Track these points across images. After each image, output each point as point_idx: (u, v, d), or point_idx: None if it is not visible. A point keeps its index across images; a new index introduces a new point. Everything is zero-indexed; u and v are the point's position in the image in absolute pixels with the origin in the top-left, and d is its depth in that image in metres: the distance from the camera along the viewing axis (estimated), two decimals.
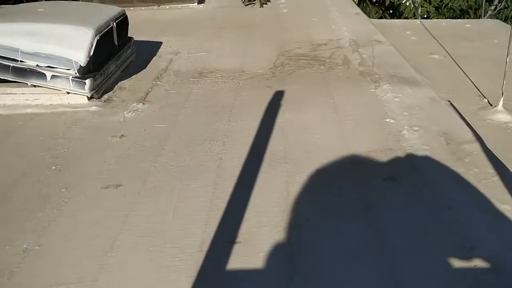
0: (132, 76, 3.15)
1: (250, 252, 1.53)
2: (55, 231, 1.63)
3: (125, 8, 3.47)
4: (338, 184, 1.92)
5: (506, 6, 7.81)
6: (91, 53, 2.69)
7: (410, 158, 2.08)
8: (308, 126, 2.41)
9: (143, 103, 2.74)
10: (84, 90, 2.65)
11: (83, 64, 2.65)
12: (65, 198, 1.81)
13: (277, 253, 1.53)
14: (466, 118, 2.56)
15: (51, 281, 1.42)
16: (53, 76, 2.63)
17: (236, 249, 1.55)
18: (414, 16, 7.45)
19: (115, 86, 2.96)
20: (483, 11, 7.58)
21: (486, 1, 7.69)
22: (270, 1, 5.32)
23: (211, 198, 1.82)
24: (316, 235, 1.61)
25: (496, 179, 1.89)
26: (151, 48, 3.74)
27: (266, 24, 4.54)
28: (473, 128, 2.33)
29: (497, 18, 6.93)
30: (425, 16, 7.86)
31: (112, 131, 2.40)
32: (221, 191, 1.87)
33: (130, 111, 2.64)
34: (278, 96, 2.79)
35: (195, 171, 2.01)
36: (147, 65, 3.38)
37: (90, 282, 1.40)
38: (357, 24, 4.33)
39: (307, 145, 2.22)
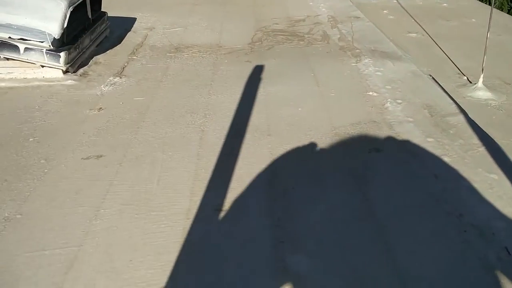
0: (107, 51, 3.05)
1: (237, 219, 1.50)
2: (36, 200, 1.57)
3: None
4: (323, 155, 1.90)
5: None
6: (65, 25, 2.58)
7: (395, 130, 2.07)
8: (290, 99, 2.38)
9: (120, 77, 2.66)
10: (59, 63, 2.55)
11: (57, 36, 2.54)
12: (45, 169, 1.74)
13: (264, 220, 1.50)
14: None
15: (35, 246, 1.37)
16: (26, 49, 2.52)
17: (223, 217, 1.51)
18: None
19: (90, 61, 2.86)
20: None
21: None
22: None
23: (195, 168, 1.78)
24: (302, 202, 1.59)
25: (482, 149, 1.90)
26: (126, 24, 3.63)
27: (242, 0, 4.46)
28: (456, 101, 2.33)
29: None
30: None
31: (89, 104, 2.32)
32: (205, 161, 1.82)
33: (107, 85, 2.55)
34: (258, 70, 2.75)
35: (178, 143, 1.96)
36: (122, 40, 3.28)
37: (75, 248, 1.36)
38: (334, 1, 4.30)
39: (290, 117, 2.19)
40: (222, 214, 1.52)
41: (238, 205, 1.56)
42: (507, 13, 8.22)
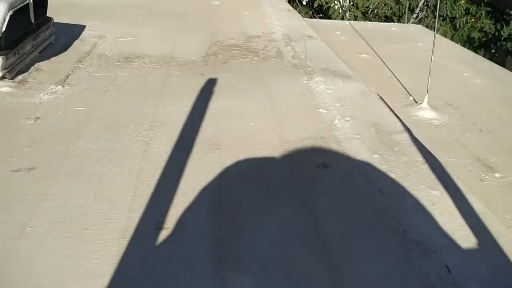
0: (51, 58, 2.91)
1: (178, 239, 1.42)
2: None
3: None
4: (272, 170, 1.86)
5: (426, 15, 8.28)
6: (3, 28, 2.45)
7: (342, 146, 2.06)
8: (242, 114, 2.33)
9: (63, 86, 2.53)
10: None
11: None
12: None
13: (207, 238, 1.43)
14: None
15: None
16: None
17: (163, 236, 1.43)
18: (343, 20, 7.66)
19: (31, 67, 2.72)
20: (406, 18, 7.96)
21: (408, 10, 8.08)
22: None
23: (135, 182, 1.68)
24: (249, 219, 1.53)
25: (425, 166, 1.92)
26: (74, 31, 3.50)
27: (197, 14, 4.42)
28: (401, 120, 2.36)
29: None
30: (353, 20, 8.10)
31: (25, 113, 2.18)
32: (146, 175, 1.73)
33: (47, 93, 2.42)
34: (211, 83, 2.69)
35: (119, 155, 1.86)
36: (68, 47, 3.15)
37: None
38: (289, 20, 4.33)
39: (241, 131, 2.14)
40: (162, 232, 1.44)
41: (180, 223, 1.49)
42: (451, 39, 8.59)
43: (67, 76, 2.67)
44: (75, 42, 3.27)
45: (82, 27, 3.60)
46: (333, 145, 2.06)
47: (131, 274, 1.27)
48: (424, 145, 2.21)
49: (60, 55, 2.99)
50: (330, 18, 7.97)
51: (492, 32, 9.27)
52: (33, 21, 2.84)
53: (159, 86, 2.61)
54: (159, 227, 1.47)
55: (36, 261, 1.28)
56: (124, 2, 4.59)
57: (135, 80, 2.69)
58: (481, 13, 9.17)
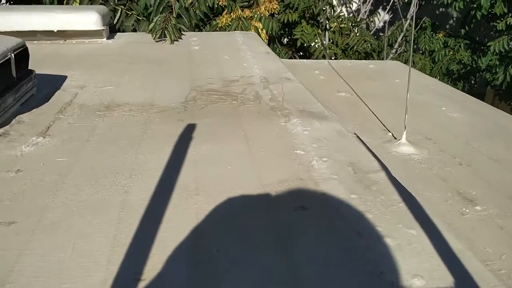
0: (33, 110, 2.95)
1: None
2: None
3: (27, 41, 3.28)
4: (250, 215, 1.88)
5: (405, 50, 8.54)
6: None
7: (320, 187, 2.10)
8: (220, 158, 2.37)
9: (44, 137, 2.56)
10: None
11: None
12: None
13: None
14: (372, 150, 2.65)
15: None
16: None
17: (141, 287, 1.44)
18: (324, 58, 7.85)
19: (12, 120, 2.75)
20: (385, 53, 8.19)
21: (387, 45, 8.33)
22: (181, 38, 5.31)
23: (114, 233, 1.70)
24: (226, 268, 1.54)
25: (402, 205, 1.95)
26: (55, 82, 3.55)
27: (177, 60, 4.51)
28: (378, 158, 2.41)
29: (397, 60, 7.48)
30: (333, 57, 8.30)
31: (6, 166, 2.20)
32: (125, 225, 1.75)
33: (28, 145, 2.44)
34: (189, 129, 2.74)
35: (98, 206, 1.88)
36: (49, 98, 3.19)
37: None
38: (267, 62, 4.44)
39: (219, 176, 2.17)
40: (140, 284, 1.44)
41: (158, 274, 1.49)
42: (430, 72, 8.82)
43: (48, 127, 2.70)
44: (57, 92, 3.32)
45: (64, 77, 3.66)
46: (311, 186, 2.10)
47: None
48: (404, 181, 2.25)
49: (41, 107, 3.03)
50: (311, 56, 8.16)
51: (471, 64, 9.56)
52: (14, 75, 2.89)
53: (138, 134, 2.65)
54: (137, 278, 1.48)
55: None
56: (107, 51, 4.68)
57: (115, 128, 2.73)
58: (460, 46, 9.47)
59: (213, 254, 1.60)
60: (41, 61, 4.01)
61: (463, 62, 9.32)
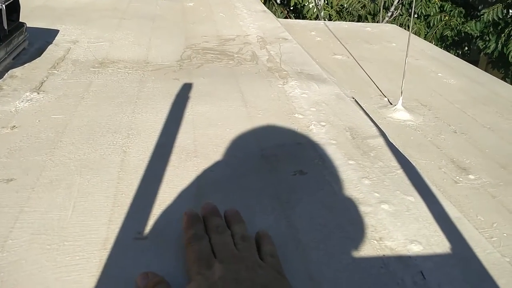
0: (25, 64, 2.88)
1: (158, 249, 1.43)
2: None
3: None
4: (250, 178, 1.88)
5: (401, 14, 8.44)
6: None
7: (318, 152, 2.10)
8: (218, 120, 2.35)
9: (38, 93, 2.51)
10: None
11: None
12: None
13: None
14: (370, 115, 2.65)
15: None
16: None
17: (143, 246, 1.44)
18: (317, 18, 7.72)
19: (5, 74, 2.69)
20: (381, 17, 8.08)
21: (383, 8, 8.22)
22: None
23: (114, 193, 1.69)
24: None
25: (400, 172, 1.97)
26: (47, 36, 3.46)
27: (171, 16, 4.40)
28: (376, 124, 2.41)
29: (393, 24, 7.40)
30: (327, 19, 8.18)
31: (1, 121, 2.16)
32: (125, 185, 1.74)
33: (23, 101, 2.40)
34: (186, 89, 2.70)
35: (97, 165, 1.86)
36: (42, 53, 3.12)
37: None
38: (264, 21, 4.35)
39: (218, 138, 2.16)
40: (141, 243, 1.45)
41: (159, 233, 1.50)
42: (424, 37, 8.77)
43: (42, 83, 2.65)
44: (49, 47, 3.24)
45: (56, 32, 3.57)
46: (309, 151, 2.10)
47: (112, 286, 1.29)
48: (400, 147, 2.27)
49: (34, 61, 2.96)
50: (305, 17, 8.03)
51: (465, 30, 9.51)
52: (6, 27, 2.80)
53: (134, 92, 2.61)
54: (139, 237, 1.48)
55: (19, 274, 1.28)
56: (99, 5, 4.55)
57: (110, 86, 2.68)
58: (455, 12, 9.39)
59: None
60: (31, 14, 3.89)
61: (457, 28, 9.27)
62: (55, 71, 2.85)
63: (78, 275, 1.30)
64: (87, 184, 1.73)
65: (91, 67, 2.97)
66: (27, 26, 3.17)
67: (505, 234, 2.04)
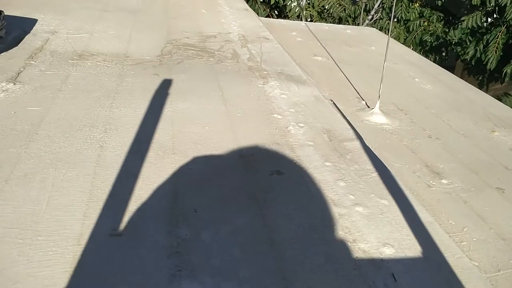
0: (2, 54, 2.83)
1: (133, 245, 1.43)
2: None
3: None
4: (226, 176, 1.89)
5: (381, 17, 8.52)
6: None
7: (296, 153, 2.12)
8: (197, 117, 2.35)
9: (14, 84, 2.46)
10: None
11: None
12: None
13: (162, 246, 1.45)
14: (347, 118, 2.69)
15: None
16: None
17: (118, 242, 1.44)
18: (299, 18, 7.76)
19: None
20: (361, 19, 8.16)
21: (364, 11, 8.30)
22: None
23: (90, 188, 1.68)
24: (203, 227, 1.56)
25: (375, 175, 2.00)
26: (25, 25, 3.39)
27: (153, 11, 4.37)
28: (353, 127, 2.44)
29: (373, 27, 7.48)
30: (309, 19, 8.23)
31: None
32: (101, 181, 1.73)
33: None
34: (166, 85, 2.69)
35: (73, 159, 1.85)
36: (19, 42, 3.06)
37: None
38: (246, 20, 4.36)
39: (197, 136, 2.16)
40: (117, 240, 1.45)
41: (134, 230, 1.50)
42: (403, 42, 8.88)
43: (19, 73, 2.60)
44: (27, 37, 3.18)
45: (34, 21, 3.50)
46: (287, 152, 2.12)
47: (86, 283, 1.28)
48: (375, 150, 2.31)
49: (10, 50, 2.90)
50: (287, 16, 8.06)
51: (443, 37, 9.66)
52: None
53: (113, 86, 2.58)
54: (114, 233, 1.48)
55: None
56: None
57: (88, 79, 2.65)
58: (434, 18, 9.52)
59: (190, 213, 1.61)
60: (9, 1, 3.81)
61: (436, 34, 9.41)
62: (33, 62, 2.80)
63: (50, 271, 1.29)
64: (62, 178, 1.71)
65: (69, 59, 2.92)
66: (5, 14, 3.11)
67: (474, 239, 2.09)
